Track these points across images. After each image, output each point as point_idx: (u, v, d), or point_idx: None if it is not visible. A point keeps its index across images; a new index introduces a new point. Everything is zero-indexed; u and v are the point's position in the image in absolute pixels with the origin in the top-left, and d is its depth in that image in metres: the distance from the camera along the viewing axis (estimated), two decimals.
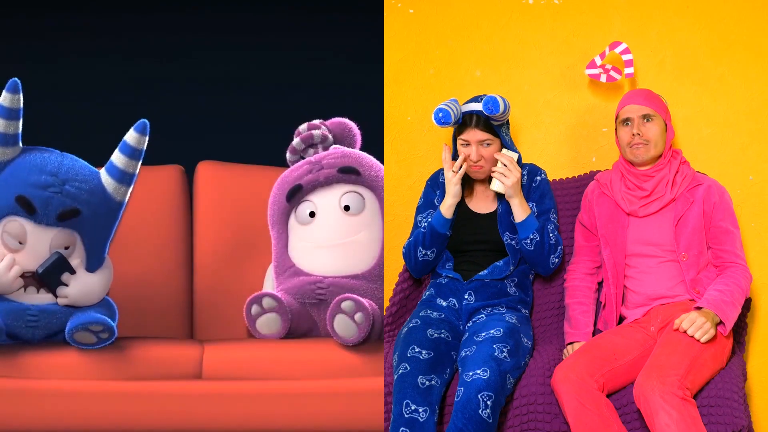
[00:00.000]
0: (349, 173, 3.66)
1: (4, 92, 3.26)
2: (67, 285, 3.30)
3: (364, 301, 3.39)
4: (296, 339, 3.53)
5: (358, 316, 3.36)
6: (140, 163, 3.36)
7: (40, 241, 3.28)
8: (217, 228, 3.84)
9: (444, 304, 3.49)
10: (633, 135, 3.41)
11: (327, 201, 3.66)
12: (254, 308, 3.52)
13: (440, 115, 3.38)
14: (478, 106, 3.43)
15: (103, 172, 3.35)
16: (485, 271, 3.47)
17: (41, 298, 3.30)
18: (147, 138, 3.34)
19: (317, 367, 3.34)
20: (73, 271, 3.30)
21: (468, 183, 3.53)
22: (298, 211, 3.68)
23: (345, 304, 3.37)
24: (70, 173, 3.30)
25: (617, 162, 3.53)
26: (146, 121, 3.33)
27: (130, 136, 3.33)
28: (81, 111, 4.21)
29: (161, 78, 4.28)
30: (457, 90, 3.78)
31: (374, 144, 3.82)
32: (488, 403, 3.13)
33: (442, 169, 3.59)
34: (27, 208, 3.25)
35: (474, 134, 3.44)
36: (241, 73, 4.33)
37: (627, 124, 3.44)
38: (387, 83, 3.79)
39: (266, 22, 4.36)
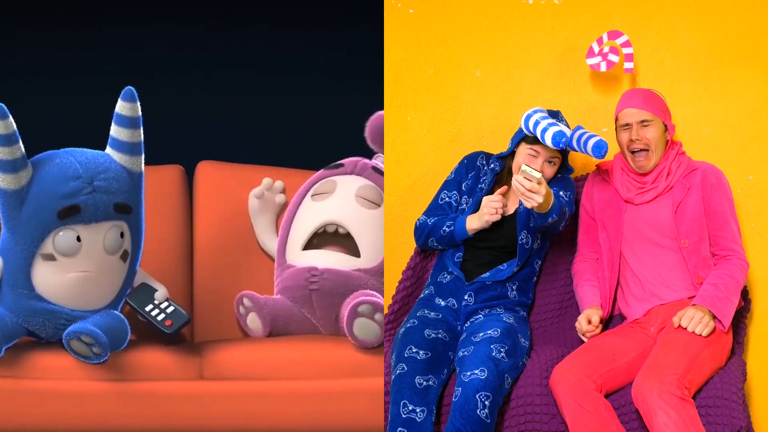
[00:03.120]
0: (381, 174, 3.70)
1: None
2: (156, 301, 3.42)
3: (376, 299, 3.39)
4: (296, 339, 3.53)
5: (378, 316, 3.37)
6: (141, 130, 3.33)
7: (94, 240, 3.27)
8: (217, 228, 3.83)
9: (443, 303, 3.49)
10: (631, 140, 3.42)
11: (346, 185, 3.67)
12: (241, 308, 3.62)
13: (563, 140, 3.28)
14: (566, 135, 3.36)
15: (111, 152, 3.33)
16: (487, 274, 3.47)
17: (79, 302, 3.29)
18: (138, 104, 3.29)
19: (317, 367, 3.34)
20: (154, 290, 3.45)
21: (500, 183, 3.52)
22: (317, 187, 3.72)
23: (362, 308, 3.36)
24: (90, 167, 3.27)
25: (618, 154, 3.52)
26: (131, 88, 3.29)
27: (124, 107, 3.28)
28: (80, 110, 4.21)
29: (161, 78, 4.28)
30: (457, 90, 3.78)
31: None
32: (486, 403, 3.13)
33: (482, 152, 3.58)
34: (75, 213, 3.23)
35: (548, 150, 3.41)
36: (241, 73, 4.33)
37: (626, 129, 3.44)
38: (387, 83, 3.79)
39: (266, 22, 4.36)
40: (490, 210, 3.38)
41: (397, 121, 3.80)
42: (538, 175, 3.15)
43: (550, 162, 3.44)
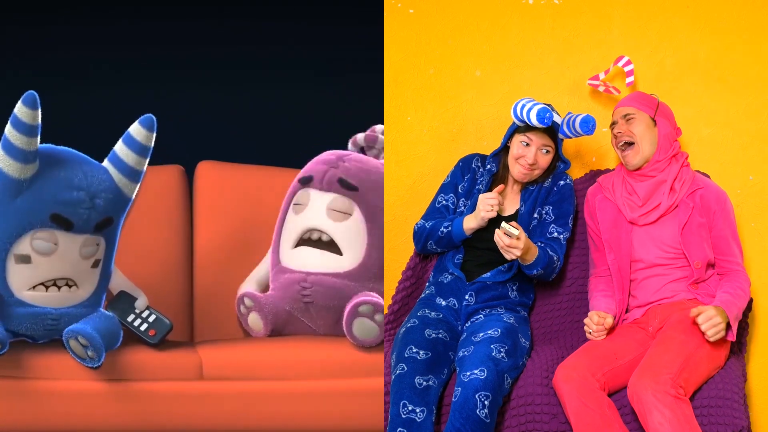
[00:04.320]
0: (347, 188, 3.65)
1: (22, 106, 3.12)
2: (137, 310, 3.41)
3: (377, 299, 3.39)
4: (296, 339, 3.53)
5: (378, 317, 3.37)
6: (148, 161, 3.30)
7: (70, 248, 3.24)
8: (217, 228, 3.84)
9: (443, 303, 3.49)
10: (615, 135, 3.44)
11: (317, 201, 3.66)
12: (241, 308, 3.62)
13: (547, 115, 3.32)
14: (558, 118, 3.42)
15: (110, 166, 3.29)
16: (488, 274, 3.47)
17: (61, 301, 3.27)
18: (155, 135, 3.27)
19: (317, 367, 3.34)
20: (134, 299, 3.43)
21: (497, 183, 3.52)
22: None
23: (362, 308, 3.37)
24: (94, 184, 3.23)
25: (617, 167, 3.53)
26: (152, 116, 3.26)
27: (138, 132, 3.25)
28: (82, 110, 4.22)
29: (161, 78, 4.28)
30: (457, 90, 3.78)
31: None
32: (485, 403, 3.13)
33: (477, 154, 3.58)
34: (64, 225, 3.20)
35: (540, 137, 3.43)
36: (241, 73, 4.33)
37: (613, 127, 3.48)
38: (387, 83, 3.79)
39: (266, 22, 4.37)
40: (485, 207, 3.38)
41: (397, 121, 3.80)
42: (516, 232, 3.24)
43: (542, 149, 3.44)
